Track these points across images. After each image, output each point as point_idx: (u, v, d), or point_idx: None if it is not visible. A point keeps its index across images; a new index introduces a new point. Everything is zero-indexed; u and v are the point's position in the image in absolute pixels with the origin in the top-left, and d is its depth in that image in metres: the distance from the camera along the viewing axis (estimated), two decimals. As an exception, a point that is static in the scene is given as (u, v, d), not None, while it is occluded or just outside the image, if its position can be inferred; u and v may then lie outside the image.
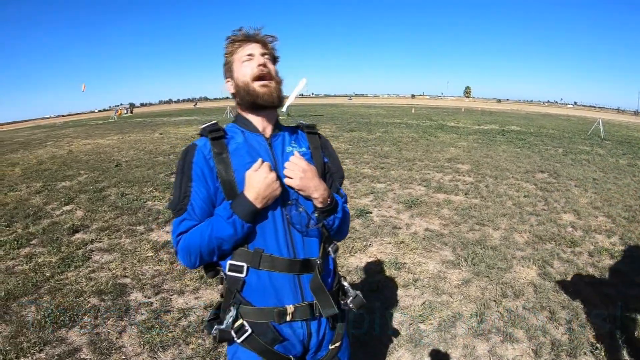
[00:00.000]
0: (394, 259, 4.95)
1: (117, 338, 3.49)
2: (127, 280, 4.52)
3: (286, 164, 1.51)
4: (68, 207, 7.50)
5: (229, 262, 1.48)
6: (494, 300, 4.04)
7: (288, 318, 1.48)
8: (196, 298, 4.14)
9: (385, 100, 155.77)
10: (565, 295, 4.14)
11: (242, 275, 1.47)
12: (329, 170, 1.72)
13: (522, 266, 4.80)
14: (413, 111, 43.41)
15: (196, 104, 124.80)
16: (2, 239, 5.87)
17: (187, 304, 4.03)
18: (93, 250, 5.38)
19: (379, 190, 8.20)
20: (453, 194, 7.97)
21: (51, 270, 4.76)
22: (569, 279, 4.51)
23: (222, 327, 1.46)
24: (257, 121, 1.60)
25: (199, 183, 1.47)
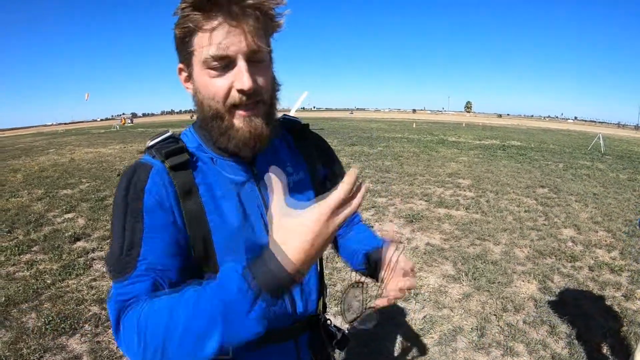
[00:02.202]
0: (394, 271, 4.94)
1: (117, 347, 3.48)
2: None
3: (404, 285, 1.06)
4: (69, 215, 7.50)
5: None
6: (495, 315, 4.04)
7: None
8: (197, 308, 4.13)
9: (387, 114, 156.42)
10: (565, 309, 4.14)
11: (227, 356, 0.83)
12: (332, 178, 1.24)
13: (523, 281, 4.80)
14: (414, 126, 43.51)
15: (192, 115, 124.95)
16: (3, 244, 5.89)
17: (187, 313, 4.03)
18: (94, 259, 5.38)
19: (380, 204, 8.21)
20: (454, 208, 7.97)
21: (52, 277, 4.76)
22: (569, 293, 4.51)
23: None
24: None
25: (157, 222, 0.88)
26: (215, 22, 0.83)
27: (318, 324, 1.19)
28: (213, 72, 0.87)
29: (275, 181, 0.75)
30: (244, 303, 0.68)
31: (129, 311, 0.79)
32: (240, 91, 0.86)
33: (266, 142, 0.97)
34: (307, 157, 1.19)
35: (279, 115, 1.17)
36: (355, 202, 0.71)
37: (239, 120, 0.90)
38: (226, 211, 0.97)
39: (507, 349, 3.49)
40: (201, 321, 0.70)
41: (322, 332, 1.19)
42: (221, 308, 0.69)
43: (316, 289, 1.20)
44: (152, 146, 0.97)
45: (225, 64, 0.86)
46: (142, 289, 0.82)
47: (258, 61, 0.89)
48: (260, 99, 0.91)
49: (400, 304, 4.22)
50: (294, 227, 0.70)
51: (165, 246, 0.87)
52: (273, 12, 0.88)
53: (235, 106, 0.89)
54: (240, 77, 0.85)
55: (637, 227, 2.54)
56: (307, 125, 1.25)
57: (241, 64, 0.85)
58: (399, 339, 3.66)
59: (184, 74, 0.96)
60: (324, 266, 1.30)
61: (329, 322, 1.30)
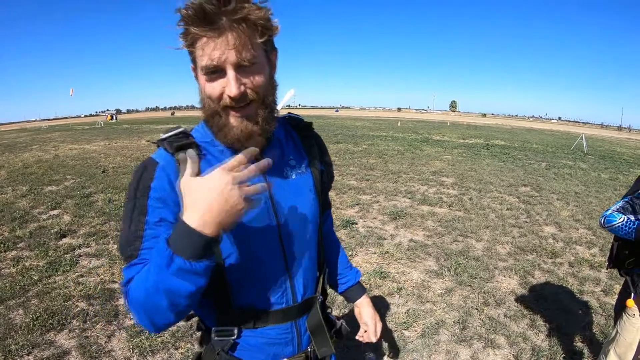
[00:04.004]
0: (378, 268, 5.03)
1: (106, 342, 3.52)
2: (116, 285, 4.53)
3: (373, 334, 1.51)
4: (55, 212, 7.47)
5: (215, 328, 1.18)
6: (476, 309, 4.14)
7: None
8: (184, 303, 4.16)
9: (372, 112, 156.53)
10: (545, 303, 4.26)
11: (233, 338, 1.17)
12: (325, 180, 1.37)
13: (504, 276, 4.92)
14: (399, 124, 43.62)
15: (173, 112, 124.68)
16: (-12, 242, 5.85)
17: (175, 309, 4.06)
18: (81, 255, 5.38)
19: (365, 201, 8.29)
20: (437, 206, 8.09)
21: (39, 274, 4.76)
22: (549, 288, 4.64)
23: None
24: None
25: (159, 215, 1.01)
26: (207, 36, 0.91)
27: (315, 305, 1.29)
28: (208, 78, 0.96)
29: (190, 161, 0.88)
30: (164, 261, 0.83)
31: (128, 289, 0.95)
32: (229, 97, 0.95)
33: (258, 138, 1.05)
34: (309, 153, 1.28)
35: (285, 113, 1.34)
36: (249, 169, 0.85)
37: (234, 118, 1.00)
38: None
39: (488, 341, 3.59)
40: (150, 283, 0.87)
41: (321, 315, 1.28)
42: (154, 269, 0.86)
43: (314, 273, 1.31)
44: (164, 139, 1.06)
45: (217, 72, 0.95)
46: (139, 270, 0.95)
47: (249, 66, 0.96)
48: (252, 100, 0.99)
49: (386, 298, 4.31)
50: (194, 195, 0.83)
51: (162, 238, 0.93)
52: (261, 22, 0.94)
53: (228, 108, 0.98)
54: (228, 85, 0.94)
55: (601, 225, 2.56)
56: (311, 123, 1.36)
57: (229, 73, 0.94)
58: (383, 332, 3.73)
59: (195, 73, 1.03)
60: (323, 251, 1.39)
61: (329, 310, 1.46)
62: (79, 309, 4.03)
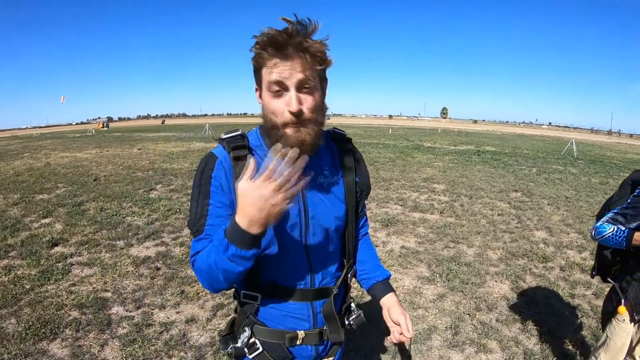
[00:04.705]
0: (372, 274, 5.02)
1: (99, 351, 3.51)
2: (108, 294, 4.53)
3: (403, 335, 1.45)
4: (47, 220, 7.44)
5: (243, 292, 1.42)
6: (468, 314, 4.17)
7: (298, 342, 1.46)
8: (177, 312, 4.17)
9: (363, 120, 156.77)
10: (537, 307, 4.30)
11: (257, 302, 1.41)
12: (359, 190, 1.52)
13: (496, 281, 4.96)
14: (390, 132, 43.74)
15: (164, 120, 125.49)
16: (-21, 251, 5.80)
17: (168, 318, 4.07)
18: (73, 264, 5.36)
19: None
20: (429, 212, 8.14)
21: (31, 282, 4.74)
22: (541, 292, 4.68)
23: (238, 345, 1.46)
24: None
25: (219, 199, 1.28)
26: (276, 60, 1.14)
27: (330, 295, 1.46)
28: (273, 95, 1.18)
29: (248, 167, 1.07)
30: (222, 248, 1.10)
31: (195, 259, 1.25)
32: (290, 112, 1.16)
33: (310, 149, 1.22)
34: (343, 165, 1.46)
35: (330, 128, 1.53)
36: (284, 172, 1.02)
37: (290, 130, 1.19)
38: None
39: (480, 346, 3.62)
40: (211, 260, 1.14)
41: (333, 304, 1.45)
42: (214, 250, 1.13)
43: (337, 266, 1.51)
44: (224, 139, 1.32)
45: (281, 90, 1.17)
46: (204, 246, 1.24)
47: (307, 89, 1.18)
48: (307, 118, 1.19)
49: (376, 305, 4.32)
50: (245, 200, 1.05)
51: (222, 217, 1.26)
52: (319, 54, 1.17)
53: (287, 124, 1.18)
54: (290, 102, 1.15)
55: (592, 237, 2.60)
56: (350, 139, 1.54)
57: (292, 92, 1.16)
58: (375, 338, 3.74)
59: (257, 93, 1.28)
60: (348, 251, 1.55)
61: (351, 300, 1.67)
62: (71, 317, 4.02)
